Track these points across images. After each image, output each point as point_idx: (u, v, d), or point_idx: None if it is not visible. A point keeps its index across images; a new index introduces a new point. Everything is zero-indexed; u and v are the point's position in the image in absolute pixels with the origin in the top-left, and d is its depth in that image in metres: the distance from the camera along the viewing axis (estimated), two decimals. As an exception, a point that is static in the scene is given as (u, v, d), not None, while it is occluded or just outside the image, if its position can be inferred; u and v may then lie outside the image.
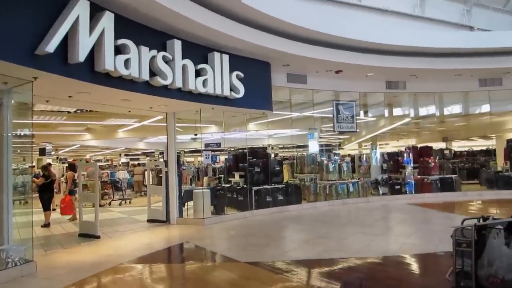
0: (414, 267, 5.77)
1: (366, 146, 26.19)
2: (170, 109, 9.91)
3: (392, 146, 27.00)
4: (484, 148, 24.71)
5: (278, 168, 12.48)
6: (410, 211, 10.74)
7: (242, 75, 9.63)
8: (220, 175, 16.21)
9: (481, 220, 4.33)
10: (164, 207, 10.24)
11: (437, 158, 15.14)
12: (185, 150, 32.49)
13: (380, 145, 21.31)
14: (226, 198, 11.39)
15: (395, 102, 15.41)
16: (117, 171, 18.53)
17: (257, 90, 10.42)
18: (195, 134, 17.48)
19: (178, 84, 8.15)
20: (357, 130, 13.76)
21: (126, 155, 39.46)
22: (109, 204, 15.04)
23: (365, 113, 16.39)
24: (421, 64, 11.96)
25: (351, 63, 11.18)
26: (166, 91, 8.14)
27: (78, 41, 6.03)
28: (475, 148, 25.33)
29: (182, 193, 11.02)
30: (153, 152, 33.40)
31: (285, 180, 13.46)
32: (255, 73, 10.38)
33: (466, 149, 25.36)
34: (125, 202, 15.25)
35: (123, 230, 9.29)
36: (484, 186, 15.52)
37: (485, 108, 15.10)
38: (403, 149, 15.92)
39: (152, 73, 7.67)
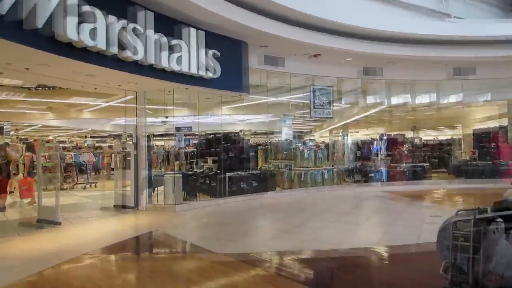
0: (401, 259, 5.50)
1: (337, 133, 26.25)
2: (141, 88, 9.19)
3: (362, 134, 27.19)
4: (450, 137, 25.34)
5: (252, 153, 12.04)
6: (386, 199, 10.60)
7: (218, 54, 9.02)
8: (191, 160, 15.64)
9: (476, 212, 4.05)
10: (132, 192, 9.60)
11: (408, 147, 15.20)
12: (154, 134, 31.52)
13: (350, 133, 21.33)
14: (198, 184, 10.86)
15: (370, 89, 15.21)
16: (82, 153, 17.50)
17: (234, 71, 9.85)
18: (166, 117, 16.70)
19: (150, 60, 7.47)
20: (333, 116, 13.47)
21: (92, 137, 37.89)
22: (73, 187, 14.15)
23: (339, 99, 16.14)
24: (399, 51, 11.74)
25: (330, 47, 10.78)
26: (137, 67, 7.45)
27: (35, 3, 5.26)
28: (440, 138, 25.86)
29: (152, 178, 10.39)
30: (121, 135, 32.16)
31: (258, 166, 13.08)
32: (231, 53, 9.79)
33: (432, 138, 25.87)
34: (90, 186, 14.40)
35: (87, 216, 8.60)
36: (452, 175, 15.74)
37: (456, 98, 15.16)
38: (376, 136, 15.91)
39: (121, 46, 6.95)
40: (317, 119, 13.27)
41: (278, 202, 10.37)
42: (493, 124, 18.24)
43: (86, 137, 37.82)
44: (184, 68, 8.23)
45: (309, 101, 12.77)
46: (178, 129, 15.61)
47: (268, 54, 11.31)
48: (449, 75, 13.68)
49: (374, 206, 9.65)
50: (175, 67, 8.01)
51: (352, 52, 11.34)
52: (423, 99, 14.82)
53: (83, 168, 14.83)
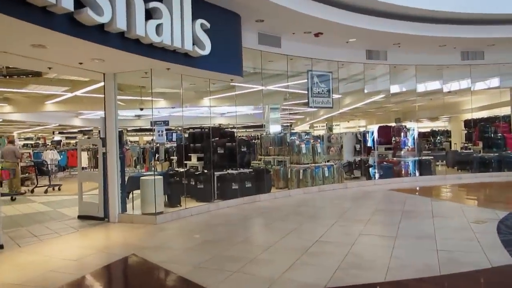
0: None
1: (317, 127, 24.70)
2: (109, 68, 7.10)
3: (343, 128, 25.79)
4: (436, 129, 24.31)
5: (244, 149, 10.14)
6: (403, 200, 8.95)
7: (208, 25, 7.04)
8: (171, 157, 13.64)
9: None
10: (101, 199, 7.55)
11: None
12: (128, 129, 28.96)
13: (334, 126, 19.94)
14: (182, 186, 8.90)
15: (367, 76, 13.59)
16: (44, 151, 15.06)
17: (225, 49, 7.90)
18: (141, 109, 14.54)
19: (121, 25, 5.43)
20: (333, 106, 11.73)
21: (60, 133, 34.87)
22: (32, 191, 11.84)
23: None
24: (406, 29, 10.05)
25: (334, 22, 8.95)
26: (103, 35, 5.40)
27: None
28: (422, 130, 24.79)
29: (126, 180, 8.37)
30: (92, 130, 29.50)
31: (251, 164, 11.20)
32: (223, 27, 7.84)
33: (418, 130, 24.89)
34: (53, 189, 12.10)
35: (42, 234, 6.49)
36: (452, 168, 14.44)
37: (461, 85, 13.77)
38: (373, 128, 14.37)
39: (80, 3, 4.91)
40: (319, 107, 11.44)
41: (278, 206, 8.56)
42: (487, 114, 17.13)
43: (54, 133, 34.78)
44: (166, 40, 6.22)
45: (306, 89, 10.97)
46: (158, 122, 13.60)
47: (263, 32, 9.41)
48: (457, 59, 12.22)
49: (396, 209, 7.98)
50: (154, 38, 5.99)
51: (357, 30, 9.57)
52: (428, 86, 13.31)
53: (44, 168, 12.47)
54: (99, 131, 7.93)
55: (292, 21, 8.79)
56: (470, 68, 12.54)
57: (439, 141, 22.80)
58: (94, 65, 6.73)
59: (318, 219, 7.15)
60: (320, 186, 10.72)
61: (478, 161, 13.11)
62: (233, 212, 8.09)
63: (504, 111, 15.55)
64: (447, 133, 22.84)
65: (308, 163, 10.94)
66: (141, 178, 7.97)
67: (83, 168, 15.96)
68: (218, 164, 9.32)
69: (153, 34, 5.95)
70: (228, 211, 8.20)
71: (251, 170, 10.02)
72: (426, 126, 25.59)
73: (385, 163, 12.26)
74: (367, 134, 13.61)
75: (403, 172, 12.26)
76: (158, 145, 9.83)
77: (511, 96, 14.18)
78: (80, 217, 7.79)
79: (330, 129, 20.40)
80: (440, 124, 25.40)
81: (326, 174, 11.12)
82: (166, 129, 9.12)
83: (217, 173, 9.26)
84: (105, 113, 7.50)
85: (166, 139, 7.86)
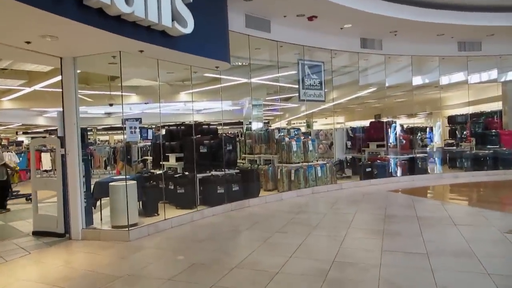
0: None
1: (294, 124, 23.74)
2: (67, 50, 5.67)
3: (320, 124, 24.96)
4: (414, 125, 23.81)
5: (230, 147, 8.87)
6: (410, 203, 7.97)
7: (190, -2, 5.76)
8: (145, 157, 12.23)
9: None
10: (60, 211, 6.12)
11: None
12: (98, 128, 26.98)
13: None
14: (160, 191, 7.56)
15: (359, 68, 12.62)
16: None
17: (210, 30, 6.62)
18: (110, 105, 12.96)
19: (77, -13, 4.08)
20: (325, 99, 10.65)
21: (25, 133, 32.34)
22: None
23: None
24: (404, 14, 9.09)
25: (330, 3, 7.82)
26: (53, 1, 4.03)
27: None
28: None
29: (92, 187, 6.97)
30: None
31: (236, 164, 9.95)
32: (206, 2, 6.56)
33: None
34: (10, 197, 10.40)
35: (-20, 260, 5.04)
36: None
37: (457, 77, 12.98)
38: (363, 124, 13.46)
39: (16, -50, 3.53)
40: (310, 101, 10.30)
41: (272, 213, 7.36)
42: (470, 110, 16.56)
43: (17, 133, 32.22)
44: (138, 12, 4.89)
45: (298, 80, 9.84)
46: (130, 120, 12.13)
47: (251, 14, 8.19)
48: (453, 50, 11.41)
49: (408, 215, 6.97)
50: (123, 8, 4.65)
51: (354, 13, 8.51)
52: (422, 78, 12.45)
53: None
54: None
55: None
56: (467, 60, 11.77)
57: (419, 137, 22.29)
58: (47, 46, 5.30)
59: (323, 230, 6.00)
60: (314, 188, 9.62)
61: (472, 158, 12.39)
62: (221, 222, 6.84)
63: (490, 107, 15.00)
64: (430, 130, 22.36)
65: (298, 162, 9.81)
66: (110, 184, 6.58)
67: (46, 171, 14.32)
68: (200, 164, 8.03)
69: (121, 2, 4.61)
70: (215, 221, 6.94)
71: (238, 171, 8.79)
72: (404, 123, 25.07)
73: (378, 161, 11.30)
74: (358, 130, 12.64)
75: (398, 171, 11.34)
76: (129, 144, 8.41)
77: (503, 91, 13.55)
78: (35, 233, 6.34)
79: (308, 126, 19.39)
80: (417, 121, 24.90)
81: (319, 174, 10.02)
82: (140, 126, 7.69)
83: (199, 175, 7.99)
84: (63, 107, 6.06)
85: (140, 137, 6.48)
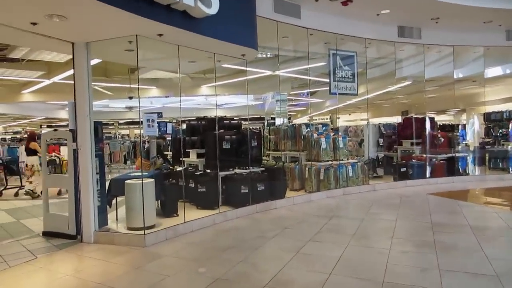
0: None
1: (316, 120, 22.83)
2: (78, 33, 5.07)
3: (343, 121, 23.95)
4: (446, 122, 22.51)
5: (255, 143, 8.18)
6: (457, 209, 7.10)
7: (215, -26, 5.07)
8: (165, 153, 11.70)
9: None
10: (72, 211, 5.58)
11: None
12: (119, 122, 26.75)
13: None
14: (179, 189, 6.95)
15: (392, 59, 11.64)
16: (20, 147, 12.96)
17: (236, 12, 5.93)
18: (130, 97, 12.49)
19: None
20: (357, 93, 9.79)
21: (49, 126, 32.61)
22: (0, 194, 9.79)
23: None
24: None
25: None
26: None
27: None
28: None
29: (108, 184, 6.44)
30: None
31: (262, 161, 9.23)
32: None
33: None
34: (26, 192, 10.05)
35: (-19, 265, 4.53)
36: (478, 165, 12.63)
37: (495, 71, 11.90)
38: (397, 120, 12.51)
39: None
40: (344, 94, 9.46)
41: (302, 217, 6.63)
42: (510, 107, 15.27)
43: (41, 126, 32.51)
44: (157, -13, 4.25)
45: (328, 72, 9.03)
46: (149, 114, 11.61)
47: (280, -3, 7.45)
48: (501, 39, 10.34)
49: (459, 223, 6.13)
50: (139, -19, 4.01)
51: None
52: (465, 71, 11.40)
53: (14, 168, 10.42)
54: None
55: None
56: (515, 49, 10.67)
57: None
58: (56, 28, 4.71)
59: (363, 240, 5.24)
60: (345, 189, 8.84)
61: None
62: (246, 226, 6.16)
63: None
64: (462, 128, 21.08)
65: (327, 161, 9.02)
66: (125, 182, 6.01)
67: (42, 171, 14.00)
68: (223, 161, 7.37)
69: (137, -26, 3.97)
70: (239, 224, 6.27)
71: (263, 169, 8.10)
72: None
73: (414, 160, 10.37)
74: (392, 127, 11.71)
75: (435, 172, 10.38)
76: (148, 139, 7.80)
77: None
78: (45, 233, 5.83)
79: (332, 122, 18.48)
80: (445, 118, 23.63)
81: (350, 174, 9.21)
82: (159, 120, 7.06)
83: (222, 173, 7.36)
84: (75, 97, 5.49)
85: (159, 131, 5.86)
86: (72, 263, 4.71)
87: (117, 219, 6.42)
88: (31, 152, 9.36)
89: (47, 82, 12.31)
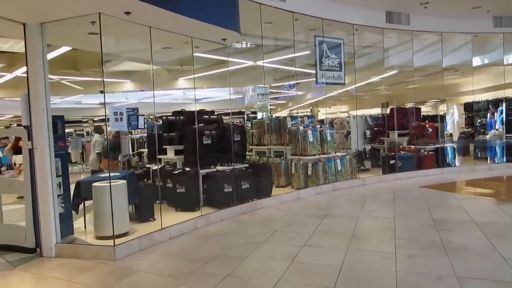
0: None
1: (297, 113, 22.39)
2: (30, 11, 4.23)
3: (322, 114, 23.57)
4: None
5: (238, 138, 7.50)
6: (456, 203, 6.66)
7: None
8: (140, 150, 10.97)
9: None
10: (29, 220, 4.78)
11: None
12: (94, 119, 25.42)
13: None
14: (156, 190, 6.21)
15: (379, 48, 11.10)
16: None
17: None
18: (101, 92, 11.51)
19: None
20: (344, 82, 9.23)
21: (19, 125, 30.86)
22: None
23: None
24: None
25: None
26: None
27: None
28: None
29: (74, 187, 5.66)
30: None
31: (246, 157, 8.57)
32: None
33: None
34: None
35: None
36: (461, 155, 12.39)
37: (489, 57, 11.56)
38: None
39: None
40: (330, 84, 8.88)
41: (293, 218, 6.01)
42: (490, 96, 15.13)
43: (10, 125, 30.75)
44: (119, -50, 3.50)
45: (315, 61, 8.43)
46: (127, 110, 10.74)
47: (263, -23, 6.76)
48: (488, 26, 9.99)
49: (465, 219, 5.66)
50: None
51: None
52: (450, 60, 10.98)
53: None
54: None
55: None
56: (504, 36, 10.33)
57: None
58: (3, 5, 3.88)
59: (364, 242, 4.67)
60: (334, 184, 8.30)
61: (504, 147, 11.05)
62: (231, 230, 5.49)
63: (508, 93, 13.61)
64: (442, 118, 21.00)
65: (315, 154, 8.44)
66: (93, 184, 5.24)
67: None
68: (203, 158, 6.68)
69: None
70: (224, 228, 5.60)
71: (247, 165, 7.45)
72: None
73: (402, 152, 9.94)
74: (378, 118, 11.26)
75: (424, 164, 9.97)
76: (118, 135, 6.97)
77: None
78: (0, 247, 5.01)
79: (313, 115, 17.94)
80: (424, 109, 23.52)
81: (339, 168, 8.68)
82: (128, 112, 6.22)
83: (203, 171, 6.67)
84: (28, 88, 4.67)
85: (129, 126, 5.10)
86: (27, 285, 3.94)
87: (85, 227, 5.68)
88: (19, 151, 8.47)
89: (9, 76, 11.22)
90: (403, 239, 4.67)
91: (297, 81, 15.72)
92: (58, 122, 4.88)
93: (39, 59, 4.59)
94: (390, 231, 5.02)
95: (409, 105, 15.30)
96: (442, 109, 22.22)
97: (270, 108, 26.02)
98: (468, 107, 15.78)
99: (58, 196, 4.97)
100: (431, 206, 6.33)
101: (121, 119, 4.64)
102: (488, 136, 12.33)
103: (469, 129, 15.28)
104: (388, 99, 21.77)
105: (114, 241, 4.49)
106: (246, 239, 4.98)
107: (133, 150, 12.36)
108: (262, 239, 4.94)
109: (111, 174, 6.15)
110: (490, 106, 13.43)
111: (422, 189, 7.88)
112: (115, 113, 4.58)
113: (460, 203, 6.45)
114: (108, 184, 4.87)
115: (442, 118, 19.21)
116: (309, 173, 8.17)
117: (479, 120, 14.44)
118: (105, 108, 4.74)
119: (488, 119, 13.16)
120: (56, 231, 4.70)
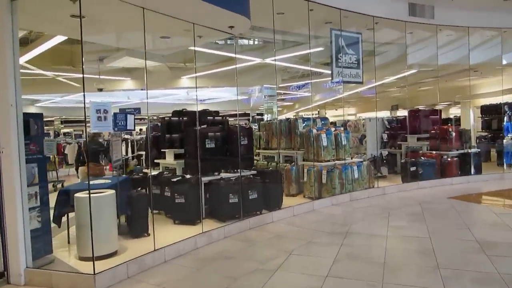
0: None
1: (303, 115, 21.47)
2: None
3: (330, 116, 22.62)
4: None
5: (245, 142, 6.62)
6: (496, 219, 5.71)
7: None
8: (138, 153, 10.19)
9: None
10: (-4, 239, 3.93)
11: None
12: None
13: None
14: (151, 200, 5.33)
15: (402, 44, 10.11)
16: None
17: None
18: (100, 90, 10.74)
19: None
20: (363, 81, 8.31)
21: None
22: None
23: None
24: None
25: None
26: None
27: None
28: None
29: (56, 197, 4.86)
30: (53, 121, 25.05)
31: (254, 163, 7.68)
32: None
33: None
34: None
35: None
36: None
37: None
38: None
39: None
40: (347, 83, 7.98)
41: (308, 237, 5.09)
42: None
43: None
44: None
45: (330, 57, 7.54)
46: (128, 110, 9.87)
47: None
48: (518, 20, 9.07)
49: None
50: None
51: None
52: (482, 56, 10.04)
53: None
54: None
55: None
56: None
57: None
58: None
59: (401, 273, 3.77)
60: (351, 194, 7.40)
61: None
62: (238, 251, 4.60)
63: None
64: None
65: (329, 160, 7.54)
66: (75, 195, 4.39)
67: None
68: (206, 164, 5.82)
69: None
70: (229, 249, 4.70)
71: (255, 172, 6.57)
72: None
73: (423, 158, 9.01)
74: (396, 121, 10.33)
75: (447, 171, 9.04)
76: (110, 137, 6.11)
77: None
78: (-38, 269, 4.15)
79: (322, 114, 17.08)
80: (451, 111, 22.55)
81: (356, 175, 7.78)
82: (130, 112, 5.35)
83: (205, 179, 5.82)
84: (-6, 78, 3.82)
85: (115, 126, 4.22)
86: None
87: (68, 242, 4.84)
88: None
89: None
90: (449, 269, 3.76)
91: (302, 82, 14.78)
92: (31, 120, 4.02)
93: (7, 43, 3.74)
94: (429, 257, 4.11)
95: (421, 107, 14.36)
96: (451, 112, 21.23)
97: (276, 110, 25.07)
98: (485, 110, 14.82)
99: (34, 208, 4.13)
100: (469, 223, 5.41)
101: (105, 118, 3.77)
102: (505, 141, 11.39)
103: (486, 133, 14.36)
104: (398, 101, 20.75)
105: (94, 269, 3.61)
106: (256, 264, 4.08)
107: (132, 152, 11.54)
108: (275, 265, 4.04)
109: (101, 181, 5.35)
110: (507, 109, 12.47)
111: (451, 200, 6.95)
112: (98, 111, 3.71)
113: (503, 219, 5.53)
114: (98, 194, 4.02)
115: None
116: (324, 181, 7.26)
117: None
118: (84, 107, 3.84)
119: (505, 123, 12.20)
120: (26, 253, 3.84)
